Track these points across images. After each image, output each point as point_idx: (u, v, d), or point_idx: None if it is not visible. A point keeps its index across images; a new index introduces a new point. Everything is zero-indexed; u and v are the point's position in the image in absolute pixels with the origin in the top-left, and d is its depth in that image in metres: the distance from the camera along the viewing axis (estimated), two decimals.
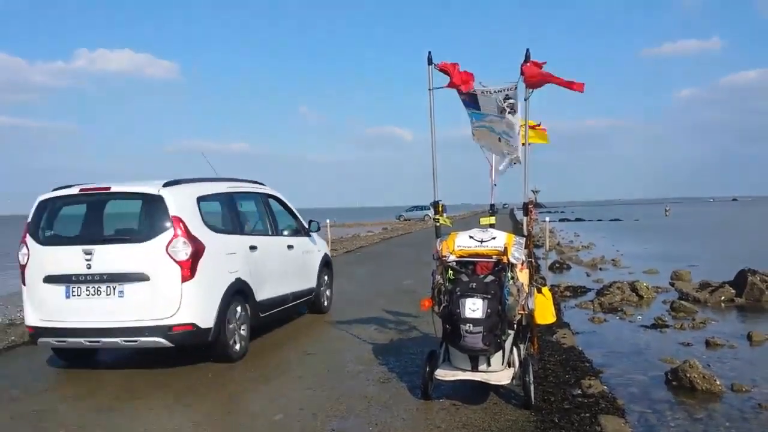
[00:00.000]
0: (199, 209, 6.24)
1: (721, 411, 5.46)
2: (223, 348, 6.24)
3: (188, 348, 6.14)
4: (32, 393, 5.63)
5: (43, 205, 6.23)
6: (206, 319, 5.89)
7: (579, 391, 5.50)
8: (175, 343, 5.86)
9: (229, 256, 6.39)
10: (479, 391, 5.26)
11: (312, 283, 8.84)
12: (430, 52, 5.60)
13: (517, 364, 5.01)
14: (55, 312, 5.79)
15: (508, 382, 4.88)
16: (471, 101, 5.65)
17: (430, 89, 5.70)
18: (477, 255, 5.08)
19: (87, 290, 5.72)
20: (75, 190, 6.07)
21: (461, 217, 59.42)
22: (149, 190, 6.03)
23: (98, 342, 5.86)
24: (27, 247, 6.04)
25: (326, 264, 9.40)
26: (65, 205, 6.29)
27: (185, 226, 5.83)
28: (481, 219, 6.12)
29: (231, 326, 6.30)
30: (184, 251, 5.73)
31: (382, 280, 13.55)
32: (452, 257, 5.10)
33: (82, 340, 5.80)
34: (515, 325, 4.94)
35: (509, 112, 5.47)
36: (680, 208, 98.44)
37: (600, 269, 17.46)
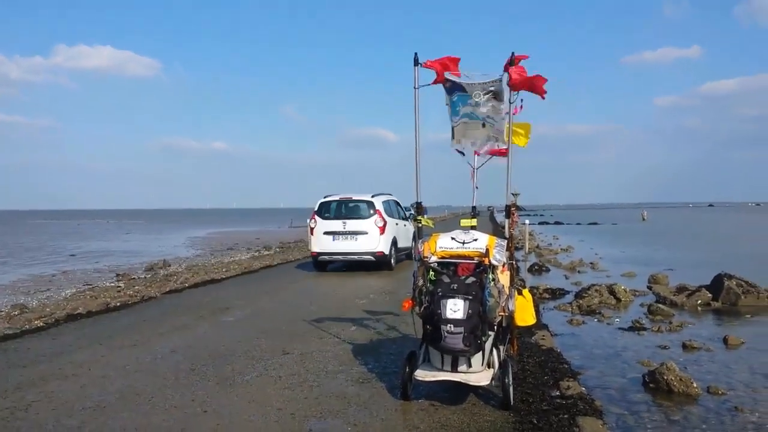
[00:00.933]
0: (383, 206, 13.94)
1: (697, 413, 5.51)
2: (388, 264, 14.76)
3: (379, 262, 14.60)
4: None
5: (323, 202, 14.61)
6: (386, 250, 13.44)
7: (557, 393, 5.52)
8: (376, 258, 14.27)
9: (391, 227, 13.51)
10: (458, 392, 5.26)
11: (409, 244, 15.72)
12: (416, 53, 5.63)
13: (496, 365, 5.02)
14: (327, 247, 13.26)
15: (488, 383, 4.88)
16: (455, 87, 5.68)
17: (416, 88, 5.70)
18: (458, 256, 5.08)
19: (343, 238, 10.43)
20: (336, 197, 12.92)
21: (441, 218, 59.63)
22: (367, 198, 14.33)
23: (345, 258, 14.00)
24: (315, 219, 14.29)
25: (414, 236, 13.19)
26: (331, 203, 14.05)
27: (380, 213, 13.05)
28: (462, 221, 6.12)
29: (392, 255, 14.25)
30: (380, 223, 12.59)
31: (362, 280, 13.51)
32: (434, 258, 5.10)
33: (339, 257, 13.78)
34: (495, 327, 4.95)
35: (495, 98, 5.53)
36: (657, 213, 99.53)
37: (578, 272, 17.59)
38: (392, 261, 15.10)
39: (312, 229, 14.67)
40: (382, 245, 14.49)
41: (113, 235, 50.24)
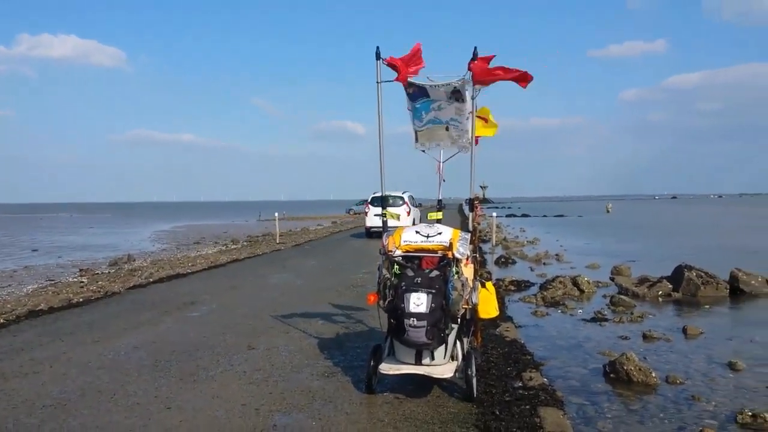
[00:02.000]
0: (408, 199, 23.48)
1: (655, 402, 5.64)
2: None
3: None
4: None
5: (373, 197, 24.25)
6: (410, 224, 14.69)
7: (520, 384, 5.61)
8: None
9: (414, 211, 22.27)
10: (423, 385, 5.30)
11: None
12: (378, 47, 5.65)
13: (460, 357, 5.06)
14: (376, 223, 21.72)
15: (451, 375, 4.93)
16: (419, 92, 5.69)
17: (378, 82, 5.72)
18: (423, 250, 5.11)
19: (384, 217, 9.00)
20: (380, 194, 10.07)
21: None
22: (399, 194, 23.70)
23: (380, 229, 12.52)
24: (369, 207, 24.42)
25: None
26: (378, 197, 21.58)
27: (407, 203, 21.90)
28: (429, 214, 6.17)
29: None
30: (407, 210, 20.71)
31: (329, 274, 13.52)
32: (398, 252, 5.13)
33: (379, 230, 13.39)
34: (459, 319, 5.00)
35: (457, 100, 5.55)
36: (622, 205, 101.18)
37: (544, 264, 17.81)
38: None
39: (367, 213, 25.44)
40: (408, 221, 23.06)
41: (77, 230, 49.37)
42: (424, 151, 6.33)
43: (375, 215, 23.95)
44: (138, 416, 4.76)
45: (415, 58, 5.64)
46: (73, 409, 4.95)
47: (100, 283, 13.38)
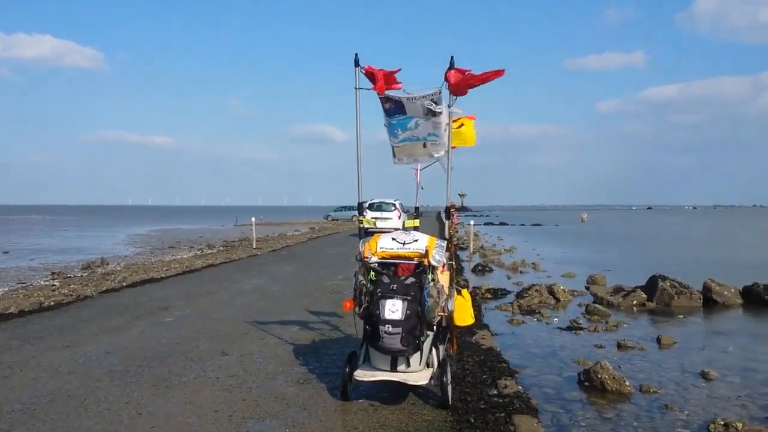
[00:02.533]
0: (399, 205, 28.80)
1: (629, 411, 5.68)
2: None
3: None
4: None
5: (370, 203, 27.17)
6: (401, 226, 11.26)
7: (495, 392, 5.61)
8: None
9: (403, 217, 20.70)
10: (398, 392, 5.28)
11: None
12: (356, 54, 5.66)
13: (435, 364, 5.06)
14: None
15: (426, 382, 4.92)
16: (396, 107, 5.67)
17: (356, 88, 5.72)
18: (399, 257, 5.11)
19: (379, 221, 11.89)
20: (378, 200, 25.23)
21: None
22: (392, 201, 29.48)
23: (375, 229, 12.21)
24: (367, 211, 15.33)
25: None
26: (374, 203, 27.47)
27: (398, 209, 26.63)
28: (406, 221, 6.18)
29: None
30: (399, 214, 24.60)
31: (306, 280, 13.46)
32: (374, 258, 5.11)
33: (376, 231, 11.63)
34: (435, 327, 5.00)
35: (435, 114, 5.55)
36: (597, 215, 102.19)
37: (520, 272, 17.92)
38: None
39: (365, 215, 28.38)
40: (399, 224, 24.35)
41: (50, 232, 48.60)
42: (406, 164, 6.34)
43: (372, 218, 27.64)
44: (108, 422, 4.68)
45: (393, 76, 5.63)
46: (42, 414, 4.85)
47: (72, 286, 13.18)
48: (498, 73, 5.50)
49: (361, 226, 6.05)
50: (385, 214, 27.92)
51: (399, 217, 27.79)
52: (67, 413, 4.87)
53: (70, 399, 5.22)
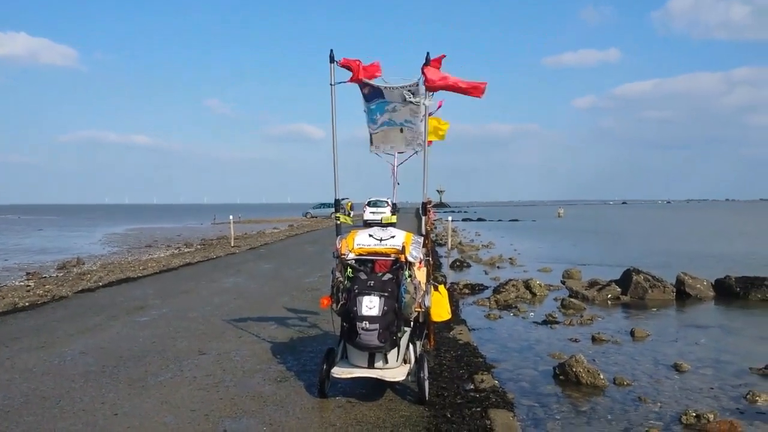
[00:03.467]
0: (393, 204, 12.84)
1: (603, 404, 5.77)
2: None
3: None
4: None
5: (369, 200, 12.70)
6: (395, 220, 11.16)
7: (472, 386, 5.66)
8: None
9: (395, 214, 11.74)
10: (376, 388, 5.30)
11: None
12: (332, 50, 5.69)
13: (412, 360, 5.08)
14: (370, 217, 9.35)
15: (404, 378, 4.94)
16: (374, 92, 5.73)
17: (332, 84, 5.74)
18: (376, 253, 5.13)
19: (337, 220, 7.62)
20: (374, 198, 10.37)
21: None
22: (386, 199, 13.13)
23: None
24: (366, 207, 10.99)
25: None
26: (373, 200, 11.41)
27: (392, 205, 10.58)
28: (382, 217, 6.20)
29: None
30: (391, 210, 9.79)
31: (284, 278, 13.43)
32: (351, 255, 5.13)
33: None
34: (412, 323, 5.02)
35: (412, 101, 5.62)
36: (574, 210, 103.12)
37: (498, 267, 18.05)
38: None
39: (365, 211, 27.98)
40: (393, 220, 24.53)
41: (25, 232, 47.92)
42: (379, 155, 6.38)
43: (371, 213, 29.44)
44: (84, 423, 4.65)
45: (372, 67, 5.68)
46: (16, 415, 4.80)
47: (47, 286, 13.02)
48: (477, 92, 5.53)
49: (338, 222, 6.06)
50: (380, 209, 30.21)
51: (390, 212, 30.89)
52: (42, 414, 4.83)
53: (45, 400, 5.17)
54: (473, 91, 5.53)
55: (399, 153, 6.57)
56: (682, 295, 12.07)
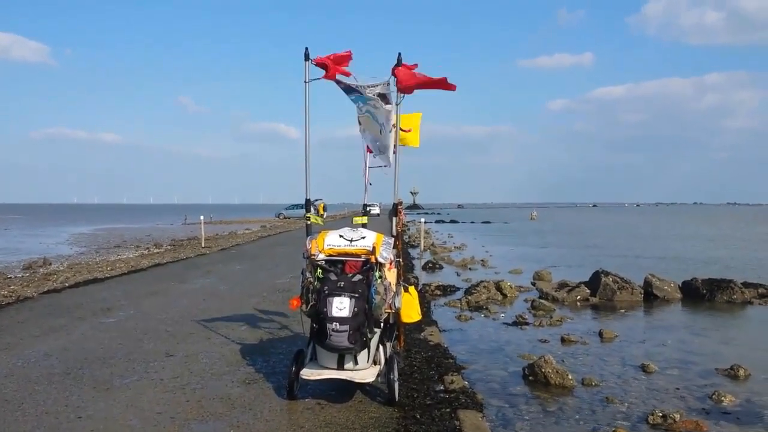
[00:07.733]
0: (379, 205, 43.63)
1: (571, 404, 5.82)
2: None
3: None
4: None
5: (363, 204, 12.60)
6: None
7: (442, 387, 5.66)
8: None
9: (366, 215, 11.73)
10: (345, 390, 5.28)
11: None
12: (307, 48, 5.68)
13: (382, 361, 5.06)
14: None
15: (373, 379, 4.92)
16: (350, 89, 5.73)
17: (306, 82, 5.71)
18: (346, 254, 5.09)
19: (307, 221, 7.75)
20: (367, 203, 10.33)
21: (341, 216, 59.71)
22: (375, 203, 42.45)
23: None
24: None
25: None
26: (365, 204, 12.31)
27: (378, 207, 39.14)
28: (354, 218, 6.19)
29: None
30: (378, 212, 34.21)
31: (255, 279, 13.32)
32: (321, 256, 5.09)
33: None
34: (382, 324, 5.01)
35: (386, 103, 5.63)
36: (546, 213, 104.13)
37: (470, 269, 18.13)
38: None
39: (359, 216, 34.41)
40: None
41: None
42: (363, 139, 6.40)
43: (363, 214, 38.67)
44: (47, 426, 4.54)
45: (344, 60, 5.67)
46: None
47: (12, 287, 12.72)
48: (449, 87, 5.56)
49: (309, 223, 6.03)
50: (372, 210, 38.69)
51: (379, 215, 38.38)
52: (3, 417, 4.72)
53: (7, 403, 5.05)
54: (445, 84, 5.55)
55: (370, 152, 6.57)
56: (650, 296, 12.24)
